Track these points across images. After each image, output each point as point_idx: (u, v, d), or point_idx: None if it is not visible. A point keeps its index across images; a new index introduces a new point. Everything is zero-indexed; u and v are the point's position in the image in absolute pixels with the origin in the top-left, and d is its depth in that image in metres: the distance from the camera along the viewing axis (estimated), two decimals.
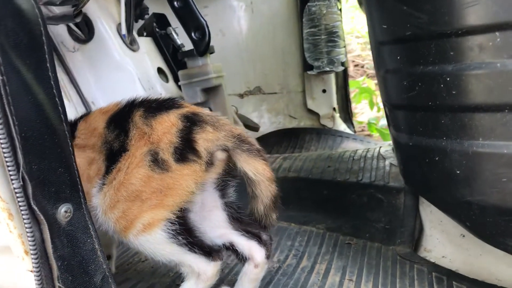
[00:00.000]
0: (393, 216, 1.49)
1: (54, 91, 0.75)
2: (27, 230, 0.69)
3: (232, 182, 1.12)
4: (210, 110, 2.29)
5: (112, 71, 2.07)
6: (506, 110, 0.84)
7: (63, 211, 0.77)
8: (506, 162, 0.86)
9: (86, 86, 2.06)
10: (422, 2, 0.91)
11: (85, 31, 2.05)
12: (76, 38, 2.06)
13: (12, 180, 0.67)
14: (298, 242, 1.56)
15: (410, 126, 1.04)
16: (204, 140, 0.99)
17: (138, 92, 2.07)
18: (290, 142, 3.16)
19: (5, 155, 0.66)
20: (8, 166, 0.66)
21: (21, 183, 0.68)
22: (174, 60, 2.37)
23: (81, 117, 1.15)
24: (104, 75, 2.07)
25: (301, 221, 1.71)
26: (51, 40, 0.76)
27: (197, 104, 2.25)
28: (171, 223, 0.98)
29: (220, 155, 1.03)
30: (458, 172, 0.93)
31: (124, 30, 2.13)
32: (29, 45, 0.71)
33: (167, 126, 0.99)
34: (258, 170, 1.03)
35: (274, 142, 3.20)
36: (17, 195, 0.67)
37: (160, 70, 2.32)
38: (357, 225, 1.57)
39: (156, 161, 0.97)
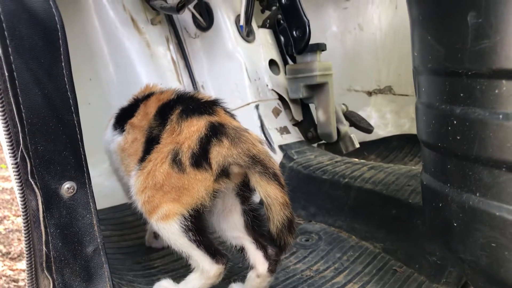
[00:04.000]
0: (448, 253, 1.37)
1: (67, 86, 0.89)
2: (20, 199, 0.85)
3: (251, 194, 1.15)
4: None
5: (224, 58, 2.22)
6: (504, 168, 0.73)
7: (66, 187, 0.92)
8: (497, 226, 0.75)
9: (199, 71, 2.24)
10: (442, 35, 0.82)
11: (206, 19, 2.22)
12: (198, 25, 2.25)
13: (10, 157, 0.83)
14: (347, 257, 1.53)
15: (426, 165, 0.96)
16: (217, 153, 1.03)
17: (244, 80, 2.19)
18: (412, 149, 2.99)
19: (5, 137, 0.82)
20: (7, 146, 0.82)
21: (17, 160, 0.83)
22: (289, 54, 2.42)
23: (144, 98, 1.29)
24: (216, 62, 2.23)
25: (362, 235, 1.66)
26: (66, 44, 0.88)
27: (300, 100, 2.30)
28: (185, 218, 1.07)
29: (236, 169, 1.07)
30: (455, 224, 0.84)
31: (242, 21, 2.25)
32: (45, 48, 0.85)
33: (192, 131, 1.06)
34: (269, 194, 1.04)
35: (395, 146, 3.06)
36: (13, 169, 0.83)
37: (273, 62, 2.40)
38: (411, 253, 1.47)
39: (175, 161, 1.06)
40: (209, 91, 2.23)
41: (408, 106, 3.16)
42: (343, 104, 2.53)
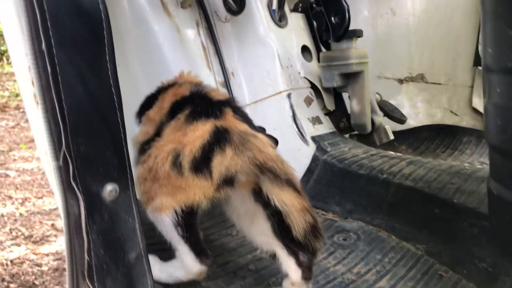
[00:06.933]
0: (501, 260, 1.29)
1: (111, 81, 0.82)
2: (61, 204, 0.79)
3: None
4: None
5: (255, 44, 2.13)
6: None
7: (109, 190, 0.85)
8: None
9: (229, 56, 2.16)
10: None
11: (237, 2, 2.13)
12: (228, 9, 2.15)
13: (52, 160, 0.76)
14: (389, 259, 1.46)
15: (496, 173, 0.88)
16: (219, 163, 0.98)
17: (276, 68, 2.11)
18: (444, 141, 2.89)
19: (47, 138, 0.75)
20: (49, 147, 0.75)
21: (60, 163, 0.77)
22: (322, 40, 2.32)
23: (165, 89, 1.24)
24: (247, 48, 2.14)
25: (402, 235, 1.58)
26: (111, 35, 0.81)
27: (334, 88, 2.21)
28: (176, 213, 1.06)
29: (243, 178, 1.01)
30: None
31: (274, 5, 2.16)
32: (89, 40, 0.78)
33: (197, 136, 1.01)
34: (284, 201, 0.96)
35: (426, 137, 2.96)
36: (56, 173, 0.77)
37: (305, 48, 2.30)
38: (458, 256, 1.39)
39: (175, 163, 1.02)
40: (239, 79, 2.15)
41: (440, 95, 3.05)
42: (377, 93, 2.43)
